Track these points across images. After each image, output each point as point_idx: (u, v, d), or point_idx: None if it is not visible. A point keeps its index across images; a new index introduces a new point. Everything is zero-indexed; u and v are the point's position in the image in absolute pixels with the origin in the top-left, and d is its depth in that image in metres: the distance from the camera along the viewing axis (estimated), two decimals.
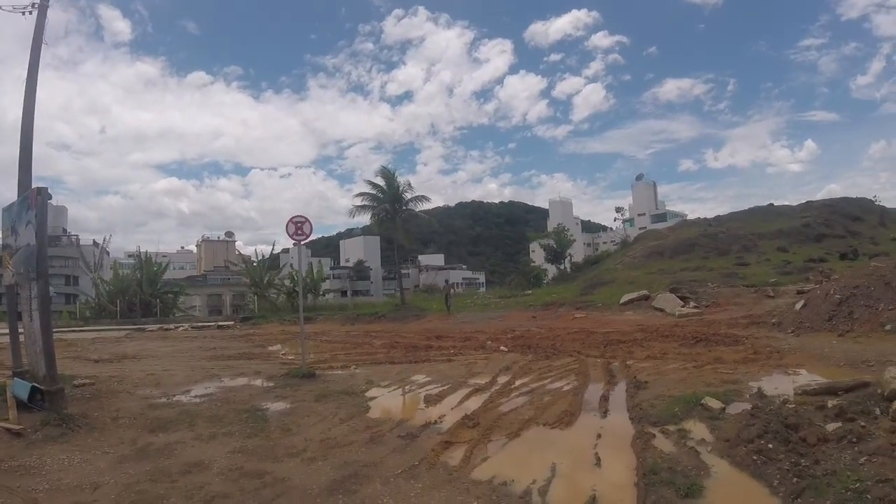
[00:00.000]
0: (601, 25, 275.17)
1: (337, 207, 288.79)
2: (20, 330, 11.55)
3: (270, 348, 20.73)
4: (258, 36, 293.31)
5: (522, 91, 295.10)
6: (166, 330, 34.65)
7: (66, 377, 11.42)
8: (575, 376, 11.23)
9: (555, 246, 62.77)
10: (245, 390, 11.49)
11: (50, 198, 9.88)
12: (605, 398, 9.17)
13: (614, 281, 39.86)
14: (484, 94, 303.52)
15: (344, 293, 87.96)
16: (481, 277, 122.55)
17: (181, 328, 35.89)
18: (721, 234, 48.97)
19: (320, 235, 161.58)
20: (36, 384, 9.79)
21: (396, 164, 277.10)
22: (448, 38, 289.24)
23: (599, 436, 7.13)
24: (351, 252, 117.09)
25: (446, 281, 50.37)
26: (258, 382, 12.38)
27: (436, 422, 8.21)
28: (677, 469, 5.66)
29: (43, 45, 11.99)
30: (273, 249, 57.06)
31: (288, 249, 78.65)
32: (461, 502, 5.24)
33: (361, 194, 43.90)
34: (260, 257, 53.72)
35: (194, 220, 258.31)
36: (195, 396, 10.95)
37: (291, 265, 56.89)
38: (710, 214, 76.61)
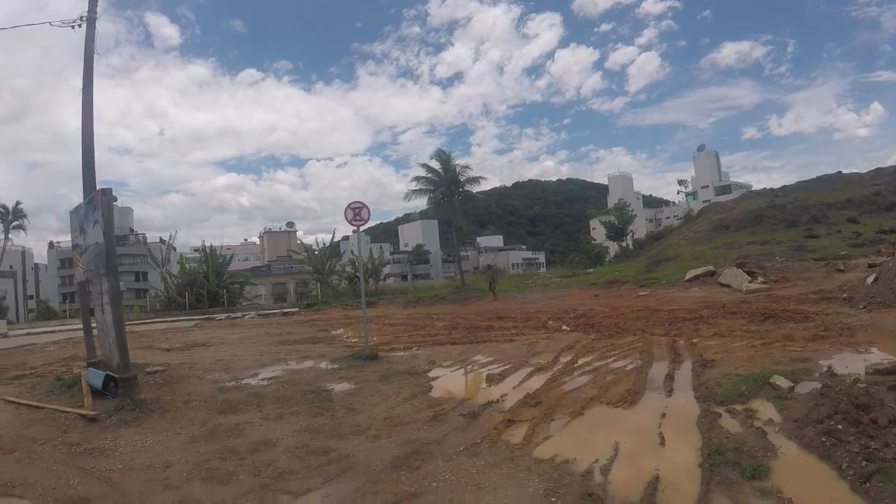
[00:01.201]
0: None
1: (394, 193, 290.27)
2: (93, 324, 12.15)
3: (334, 332, 21.10)
4: (305, 29, 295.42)
5: (574, 64, 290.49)
6: (234, 318, 35.55)
7: (138, 365, 11.84)
8: (639, 355, 11.08)
9: (616, 222, 61.97)
10: (310, 372, 11.79)
11: (115, 199, 10.35)
12: (670, 377, 8.99)
13: (678, 257, 39.20)
14: (535, 70, 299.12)
15: (404, 277, 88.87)
16: (541, 257, 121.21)
17: (248, 316, 36.78)
18: (788, 205, 47.53)
19: (379, 222, 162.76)
20: (109, 372, 10.23)
21: (450, 147, 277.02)
22: (495, 16, 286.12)
23: (664, 415, 7.00)
24: (410, 236, 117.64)
25: (489, 265, 50.01)
26: (323, 365, 12.68)
27: (497, 401, 8.22)
28: (743, 450, 5.53)
29: (95, 56, 12.44)
30: (333, 237, 57.92)
31: (348, 237, 79.55)
32: (523, 480, 5.23)
33: (417, 178, 44.42)
34: (321, 245, 54.63)
35: (255, 213, 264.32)
36: (263, 379, 11.27)
37: (352, 251, 57.61)
38: (777, 184, 74.57)
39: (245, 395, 9.76)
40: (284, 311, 39.70)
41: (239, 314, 39.14)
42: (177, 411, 9.03)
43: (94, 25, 12.53)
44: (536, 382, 9.30)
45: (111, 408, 9.07)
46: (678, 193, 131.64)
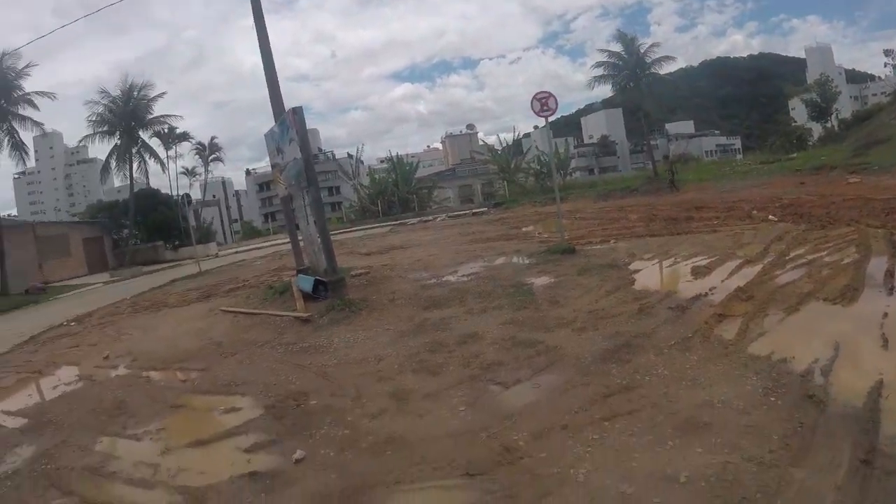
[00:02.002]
0: None
1: (572, 84, 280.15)
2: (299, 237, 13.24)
3: (525, 229, 21.25)
4: None
5: None
6: (425, 222, 36.80)
7: (343, 269, 12.54)
8: (855, 248, 10.00)
9: (818, 101, 56.64)
10: (508, 268, 12.01)
11: (304, 124, 10.78)
12: (890, 273, 8.00)
13: (891, 139, 35.13)
14: None
15: (591, 171, 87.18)
16: (736, 143, 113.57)
17: (438, 219, 37.84)
18: None
19: (560, 115, 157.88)
20: (318, 277, 10.99)
21: (627, 28, 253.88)
22: None
23: (886, 314, 6.26)
24: (593, 128, 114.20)
25: (665, 156, 47.49)
26: (519, 260, 12.88)
27: (706, 294, 7.88)
28: None
29: None
30: (515, 135, 57.67)
31: (529, 134, 78.78)
32: (739, 377, 5.01)
33: (599, 63, 42.48)
34: (504, 144, 54.68)
35: (433, 119, 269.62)
36: (462, 276, 11.64)
37: (536, 147, 57.25)
38: None
39: (447, 291, 10.15)
40: (473, 211, 40.27)
41: (430, 217, 40.38)
42: (384, 309, 9.55)
43: None
44: (746, 276, 8.77)
45: (322, 309, 9.80)
46: (885, 66, 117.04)
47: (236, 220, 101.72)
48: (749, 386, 4.83)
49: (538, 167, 48.72)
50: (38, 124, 33.87)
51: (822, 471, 3.57)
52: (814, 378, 4.85)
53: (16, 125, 33.24)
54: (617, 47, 41.84)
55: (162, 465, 5.03)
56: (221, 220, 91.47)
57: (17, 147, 33.62)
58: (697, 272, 9.46)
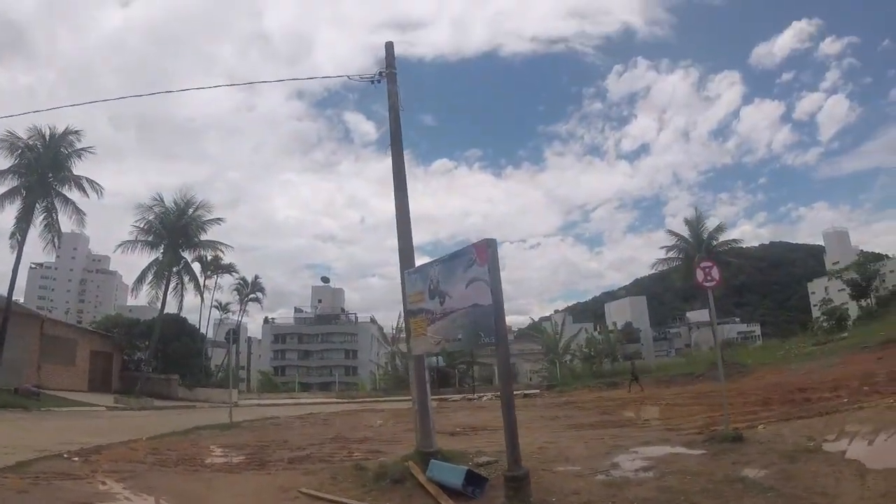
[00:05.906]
0: (825, 30, 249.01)
1: (586, 271, 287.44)
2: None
3: (615, 415, 19.98)
4: (490, 118, 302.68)
5: (761, 120, 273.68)
6: (470, 399, 35.31)
7: (456, 452, 10.78)
8: None
9: (859, 280, 59.58)
10: (682, 460, 9.80)
11: (497, 263, 8.62)
12: None
13: None
14: (722, 133, 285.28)
15: (614, 358, 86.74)
16: (756, 329, 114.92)
17: (485, 397, 36.13)
18: None
19: (575, 301, 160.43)
20: (471, 468, 8.83)
21: (642, 220, 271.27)
22: (673, 83, 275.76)
23: None
24: (616, 315, 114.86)
25: (631, 360, 47.53)
26: (683, 450, 10.76)
27: None
28: None
29: (399, 119, 13.24)
30: (561, 320, 58.39)
31: (549, 317, 79.63)
32: None
33: (666, 247, 44.51)
34: (553, 325, 55.34)
35: None
36: (637, 471, 9.38)
37: (586, 330, 57.59)
38: None
39: (650, 494, 7.80)
40: (525, 392, 38.48)
41: (475, 395, 38.85)
42: None
43: (394, 80, 13.24)
44: None
45: None
46: None
47: (243, 367, 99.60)
48: None
49: (587, 350, 48.60)
50: (79, 212, 33.58)
51: None
52: None
53: (58, 204, 32.80)
54: (684, 231, 44.38)
55: None
56: (228, 365, 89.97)
57: (51, 228, 32.84)
58: None
